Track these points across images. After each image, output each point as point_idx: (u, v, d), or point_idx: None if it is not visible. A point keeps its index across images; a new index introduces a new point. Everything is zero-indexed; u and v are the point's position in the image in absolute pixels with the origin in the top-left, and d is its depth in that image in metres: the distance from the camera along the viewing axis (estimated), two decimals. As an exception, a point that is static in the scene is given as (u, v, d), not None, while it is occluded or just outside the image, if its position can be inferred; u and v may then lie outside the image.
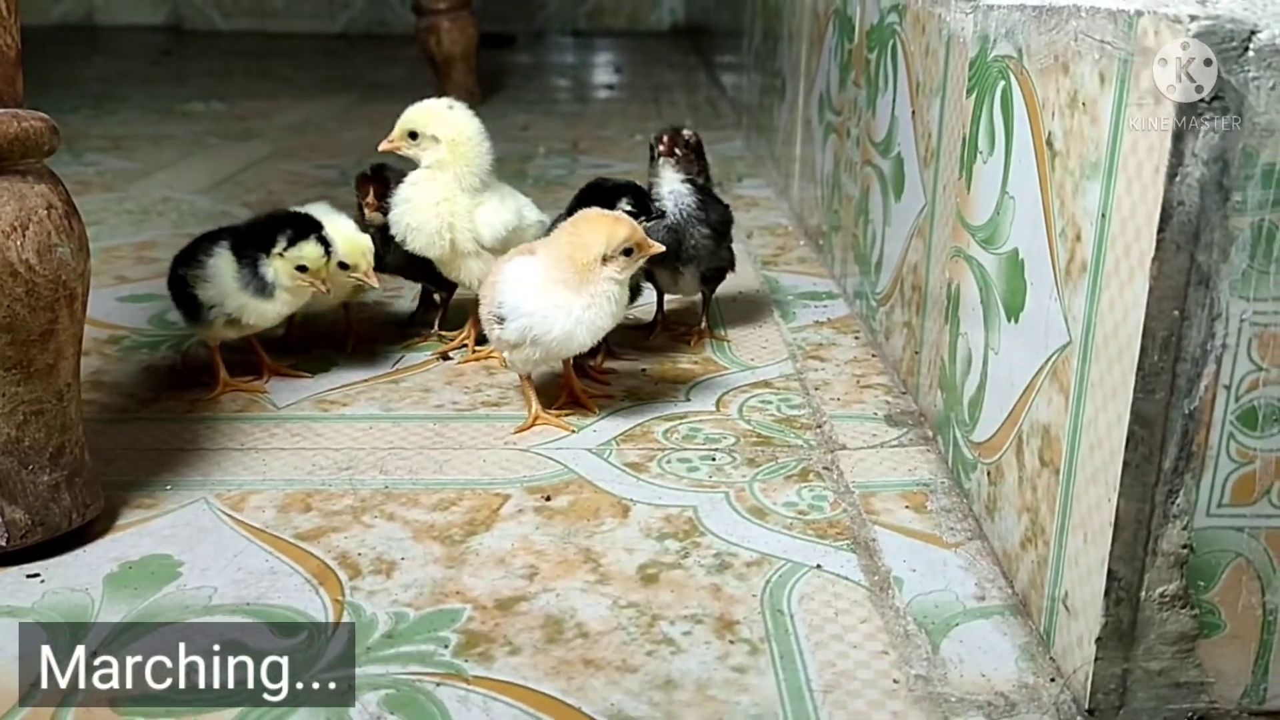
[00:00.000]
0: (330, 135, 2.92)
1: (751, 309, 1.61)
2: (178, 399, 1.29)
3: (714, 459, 1.14)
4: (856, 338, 1.48)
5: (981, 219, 1.00)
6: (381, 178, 1.42)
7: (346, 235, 1.30)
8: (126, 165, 2.54)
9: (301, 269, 1.24)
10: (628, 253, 1.15)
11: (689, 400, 1.29)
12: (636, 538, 1.00)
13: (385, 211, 1.39)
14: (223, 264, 1.25)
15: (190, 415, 1.25)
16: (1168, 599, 0.74)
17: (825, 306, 1.61)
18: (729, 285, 1.70)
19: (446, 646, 0.85)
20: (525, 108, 3.37)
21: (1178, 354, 0.69)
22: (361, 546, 0.98)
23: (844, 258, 1.65)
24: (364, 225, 1.39)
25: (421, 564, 0.96)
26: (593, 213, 1.20)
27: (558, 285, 1.14)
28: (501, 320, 1.17)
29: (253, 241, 1.25)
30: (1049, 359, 0.84)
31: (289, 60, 4.45)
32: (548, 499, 1.07)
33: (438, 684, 0.80)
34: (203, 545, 0.98)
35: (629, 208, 1.27)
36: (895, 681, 0.81)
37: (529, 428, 1.21)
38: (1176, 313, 0.68)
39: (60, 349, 0.94)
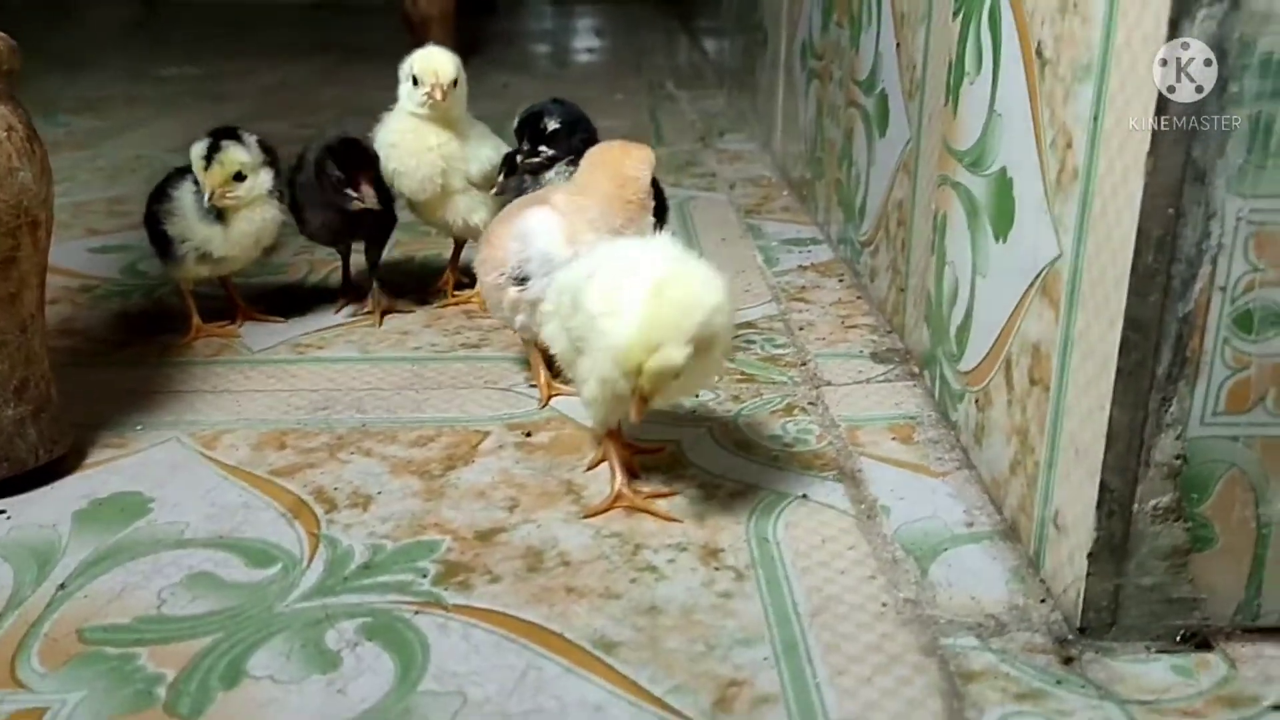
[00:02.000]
0: (308, 94, 2.87)
1: (734, 254, 1.58)
2: (150, 344, 1.27)
3: (698, 395, 1.12)
4: (841, 280, 1.46)
5: (969, 142, 0.98)
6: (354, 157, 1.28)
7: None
8: (99, 125, 2.49)
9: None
10: None
11: (672, 341, 1.26)
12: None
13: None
14: (187, 196, 1.22)
15: (163, 359, 1.22)
16: (1160, 511, 0.72)
17: (809, 251, 1.59)
18: (711, 230, 1.68)
19: (425, 576, 0.82)
20: (507, 70, 3.33)
21: (1172, 254, 0.67)
22: (338, 482, 0.96)
23: (827, 204, 1.62)
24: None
25: (399, 498, 0.93)
26: (618, 145, 1.06)
27: (611, 233, 1.00)
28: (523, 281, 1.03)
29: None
30: (1039, 274, 0.82)
31: (264, 28, 4.38)
32: (528, 435, 1.04)
33: (416, 612, 0.78)
34: (174, 482, 0.96)
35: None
36: (884, 605, 0.79)
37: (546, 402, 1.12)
38: (1171, 211, 0.66)
39: (23, 278, 0.91)
